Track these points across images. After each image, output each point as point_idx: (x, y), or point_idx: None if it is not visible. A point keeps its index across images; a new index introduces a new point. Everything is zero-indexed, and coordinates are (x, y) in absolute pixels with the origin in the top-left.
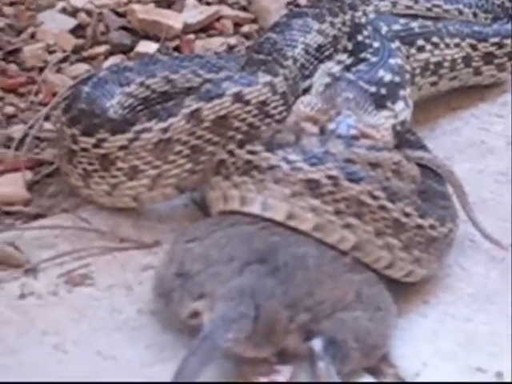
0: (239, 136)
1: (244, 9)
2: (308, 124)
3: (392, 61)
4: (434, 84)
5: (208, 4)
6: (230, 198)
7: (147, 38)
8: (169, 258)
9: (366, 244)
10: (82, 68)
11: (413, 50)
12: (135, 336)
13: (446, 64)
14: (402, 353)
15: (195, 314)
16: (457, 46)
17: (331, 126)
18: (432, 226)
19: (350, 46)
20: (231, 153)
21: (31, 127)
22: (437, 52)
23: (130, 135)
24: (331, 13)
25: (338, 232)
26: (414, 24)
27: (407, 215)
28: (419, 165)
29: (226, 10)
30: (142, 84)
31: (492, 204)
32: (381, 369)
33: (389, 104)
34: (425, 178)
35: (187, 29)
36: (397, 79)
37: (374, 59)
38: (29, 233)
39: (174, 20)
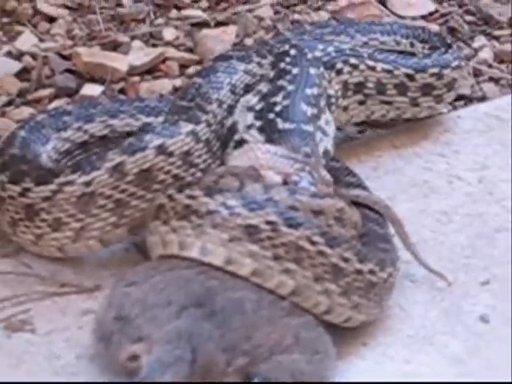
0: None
1: (190, 50)
2: (269, 172)
3: (308, 91)
4: (361, 103)
5: (154, 46)
6: (168, 242)
7: (92, 80)
8: (108, 303)
9: (305, 289)
10: (26, 111)
11: (333, 74)
12: (73, 381)
13: (370, 85)
14: None
15: (134, 358)
16: (387, 71)
17: (295, 178)
18: (371, 271)
19: (271, 75)
20: (170, 197)
21: None
22: (356, 73)
23: (53, 187)
24: (259, 54)
25: (277, 277)
26: (331, 48)
27: (346, 260)
28: (355, 203)
29: (171, 52)
30: (79, 129)
31: (433, 244)
32: None
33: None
34: (366, 220)
35: (132, 71)
36: (314, 111)
37: (290, 87)
38: None
39: (119, 62)
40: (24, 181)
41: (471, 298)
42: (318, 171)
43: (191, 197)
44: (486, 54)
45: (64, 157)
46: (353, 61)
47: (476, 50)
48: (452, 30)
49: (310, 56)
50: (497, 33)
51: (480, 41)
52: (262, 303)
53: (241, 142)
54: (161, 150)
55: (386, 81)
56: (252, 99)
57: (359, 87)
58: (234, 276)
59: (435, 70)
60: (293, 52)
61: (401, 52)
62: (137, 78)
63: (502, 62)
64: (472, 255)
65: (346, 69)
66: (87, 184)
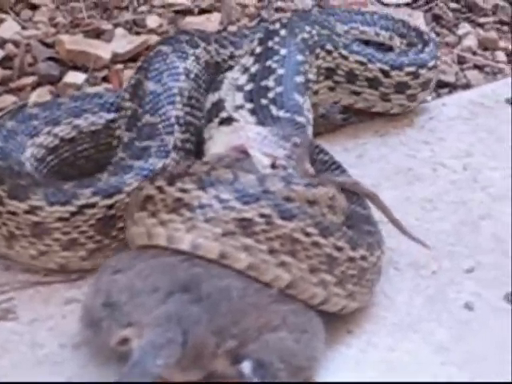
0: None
1: None
2: (258, 154)
3: (297, 78)
4: (331, 89)
5: (137, 34)
6: (155, 234)
7: (75, 68)
8: (95, 290)
9: (301, 282)
10: (9, 100)
11: (312, 58)
12: (57, 370)
13: (341, 73)
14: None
15: (124, 341)
16: (360, 63)
17: (283, 162)
18: (363, 257)
19: (258, 50)
20: (160, 189)
21: None
22: (329, 59)
23: (72, 208)
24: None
25: (272, 271)
26: (314, 32)
27: (340, 249)
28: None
29: (154, 39)
30: (49, 133)
31: (418, 231)
32: None
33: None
34: (349, 202)
35: (116, 59)
36: (303, 99)
37: (280, 71)
38: None
39: (102, 50)
40: (29, 197)
41: (456, 285)
42: (303, 163)
43: (183, 190)
44: (471, 42)
45: (40, 163)
46: (328, 47)
47: (460, 38)
48: (436, 17)
49: (299, 38)
50: (481, 20)
51: (464, 28)
52: (248, 291)
53: (228, 120)
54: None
55: (358, 72)
56: (240, 77)
57: (330, 73)
58: (219, 265)
59: (412, 69)
60: (282, 32)
61: (380, 44)
62: (120, 66)
63: (486, 49)
64: (457, 242)
65: (322, 54)
66: (109, 207)
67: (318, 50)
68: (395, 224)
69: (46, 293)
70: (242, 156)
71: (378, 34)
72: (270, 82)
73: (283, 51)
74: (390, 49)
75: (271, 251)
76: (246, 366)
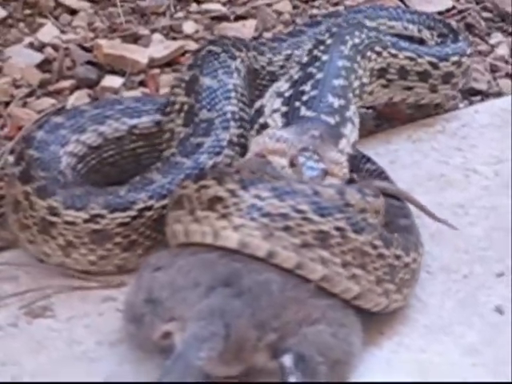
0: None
1: None
2: (275, 157)
3: (336, 82)
4: (385, 87)
5: (174, 39)
6: (223, 236)
7: (113, 72)
8: (137, 286)
9: (368, 293)
10: (47, 102)
11: (365, 61)
12: (94, 367)
13: (393, 70)
14: None
15: (166, 335)
16: (410, 59)
17: (301, 159)
18: (414, 260)
19: (304, 60)
20: (232, 192)
21: None
22: (380, 60)
23: (132, 213)
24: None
25: (344, 283)
26: (364, 36)
27: (398, 258)
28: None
29: (191, 45)
30: (77, 141)
31: (450, 236)
32: None
33: (342, 130)
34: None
35: (152, 63)
36: (342, 102)
37: (318, 76)
38: None
39: (139, 55)
40: (88, 206)
41: (486, 289)
42: (325, 151)
43: (257, 196)
44: (503, 51)
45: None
46: (378, 48)
47: (493, 47)
48: (469, 27)
49: (349, 44)
50: None
51: (496, 37)
52: (287, 285)
53: (263, 126)
54: None
55: (409, 68)
56: (283, 85)
57: (382, 72)
58: (257, 259)
59: (456, 58)
60: (329, 41)
61: (409, 37)
62: (157, 71)
63: None
64: (487, 247)
65: (373, 56)
66: (163, 207)
67: (369, 53)
68: (433, 217)
69: (83, 291)
70: (262, 161)
71: (406, 28)
72: (307, 87)
73: (325, 57)
74: (421, 41)
75: (344, 264)
76: (287, 360)
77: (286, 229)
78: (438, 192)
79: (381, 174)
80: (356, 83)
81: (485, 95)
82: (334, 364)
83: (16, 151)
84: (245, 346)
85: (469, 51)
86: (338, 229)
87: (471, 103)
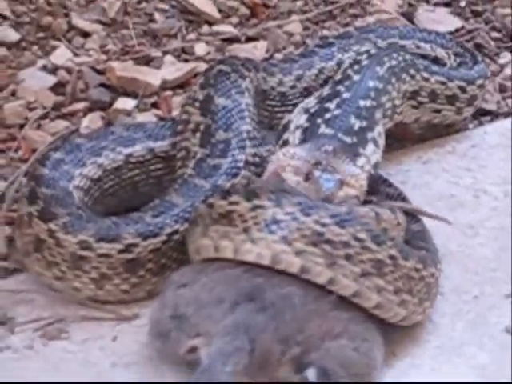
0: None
1: None
2: (289, 174)
3: (362, 103)
4: (414, 107)
5: (186, 61)
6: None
7: (126, 94)
8: (162, 303)
9: (413, 315)
10: (61, 124)
11: (400, 83)
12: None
13: (424, 94)
14: None
15: (193, 350)
16: (441, 83)
17: (316, 173)
18: (432, 275)
19: (337, 77)
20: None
21: (12, 183)
22: (413, 82)
23: (163, 238)
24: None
25: (394, 310)
26: (400, 58)
27: (435, 277)
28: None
29: (203, 67)
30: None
31: (460, 257)
32: None
33: (361, 150)
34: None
35: (165, 85)
36: (364, 124)
37: (345, 95)
38: (6, 287)
39: (152, 77)
40: (121, 237)
41: (497, 309)
42: (338, 164)
43: (318, 222)
44: None
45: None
46: (412, 71)
47: (502, 66)
48: (478, 47)
49: (386, 66)
50: None
51: (506, 57)
52: (308, 298)
53: (286, 142)
54: None
55: (439, 92)
56: (312, 101)
57: (414, 95)
58: (278, 273)
59: (480, 82)
60: (365, 62)
61: (424, 56)
62: (169, 93)
63: None
64: (497, 268)
65: (407, 78)
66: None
67: (403, 75)
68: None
69: (97, 313)
70: (278, 179)
71: (418, 47)
72: (332, 105)
73: (356, 77)
74: (435, 60)
75: (396, 291)
76: (311, 373)
77: (348, 258)
78: (448, 212)
79: (403, 200)
80: (388, 104)
81: (494, 115)
82: (355, 378)
83: (27, 190)
84: (269, 360)
85: (489, 73)
86: (391, 257)
87: (481, 124)
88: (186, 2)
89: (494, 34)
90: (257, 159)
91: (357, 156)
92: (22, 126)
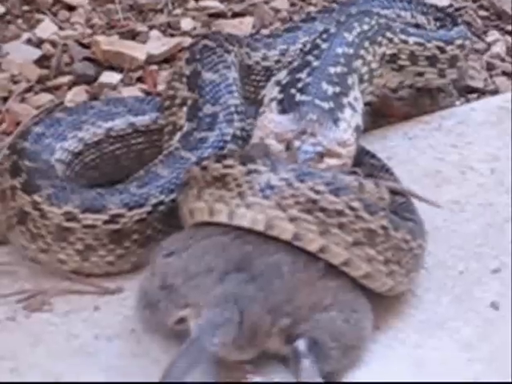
0: None
1: None
2: (272, 141)
3: (332, 69)
4: (395, 70)
5: (171, 36)
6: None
7: (111, 68)
8: (151, 273)
9: (400, 286)
10: (46, 98)
11: (375, 47)
12: (91, 360)
13: (403, 56)
14: (352, 377)
15: (181, 321)
16: (419, 44)
17: (297, 143)
18: (420, 246)
19: (306, 48)
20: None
21: None
22: (391, 45)
23: (148, 208)
24: None
25: (383, 280)
26: (373, 22)
27: (421, 247)
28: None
29: (188, 42)
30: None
31: (445, 232)
32: None
33: (339, 114)
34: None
35: (150, 60)
36: (337, 89)
37: (315, 63)
38: None
39: (137, 51)
40: (107, 207)
41: (482, 285)
42: (326, 133)
43: (313, 189)
44: (499, 49)
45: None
46: (389, 35)
47: (489, 45)
48: (466, 25)
49: (355, 31)
50: (510, 27)
51: (493, 35)
52: (297, 265)
53: (261, 115)
54: None
55: (418, 53)
56: (283, 74)
57: (393, 58)
58: (267, 239)
59: (460, 42)
60: (333, 30)
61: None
62: (154, 67)
63: None
64: (483, 244)
65: (384, 42)
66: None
67: (379, 39)
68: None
69: (80, 286)
70: (262, 146)
71: (398, 15)
72: (303, 74)
73: (324, 45)
74: (417, 26)
75: (385, 262)
76: (301, 344)
77: (340, 226)
78: (434, 188)
79: (387, 171)
80: (364, 69)
81: (481, 93)
82: (346, 349)
83: (9, 164)
84: (259, 331)
85: (469, 34)
86: (383, 227)
87: (467, 101)
88: None
89: (482, 13)
90: (244, 133)
91: (337, 121)
92: (5, 99)
